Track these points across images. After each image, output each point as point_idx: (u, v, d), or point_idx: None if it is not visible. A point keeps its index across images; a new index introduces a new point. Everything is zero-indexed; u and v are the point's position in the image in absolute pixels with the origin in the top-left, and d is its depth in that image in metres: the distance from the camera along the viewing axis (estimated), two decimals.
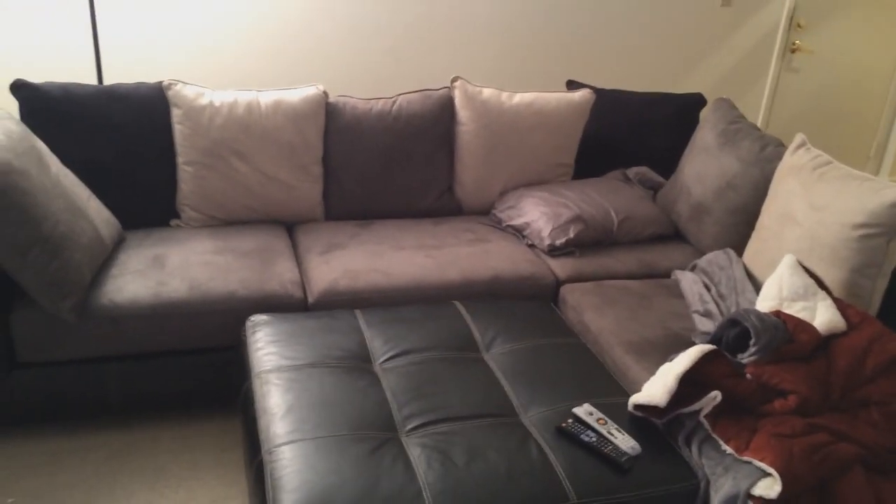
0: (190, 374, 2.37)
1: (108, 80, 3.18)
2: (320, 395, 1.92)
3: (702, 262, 2.62)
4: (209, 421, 2.42)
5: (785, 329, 1.94)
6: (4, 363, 2.18)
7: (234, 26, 3.30)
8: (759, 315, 1.93)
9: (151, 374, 2.34)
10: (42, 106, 2.52)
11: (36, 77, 2.62)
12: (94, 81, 3.12)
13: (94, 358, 2.27)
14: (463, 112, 2.93)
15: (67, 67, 3.16)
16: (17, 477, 2.17)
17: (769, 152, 2.62)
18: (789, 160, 2.46)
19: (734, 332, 1.98)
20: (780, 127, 4.38)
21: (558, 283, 2.63)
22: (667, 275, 2.69)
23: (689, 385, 1.87)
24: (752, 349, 1.91)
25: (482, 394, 1.99)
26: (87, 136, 2.57)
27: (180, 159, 2.66)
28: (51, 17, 3.08)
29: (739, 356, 1.97)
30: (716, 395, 1.82)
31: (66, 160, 2.49)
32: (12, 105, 2.52)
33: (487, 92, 2.93)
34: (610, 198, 2.87)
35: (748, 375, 1.91)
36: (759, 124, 4.36)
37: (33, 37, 3.10)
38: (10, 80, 2.51)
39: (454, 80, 2.96)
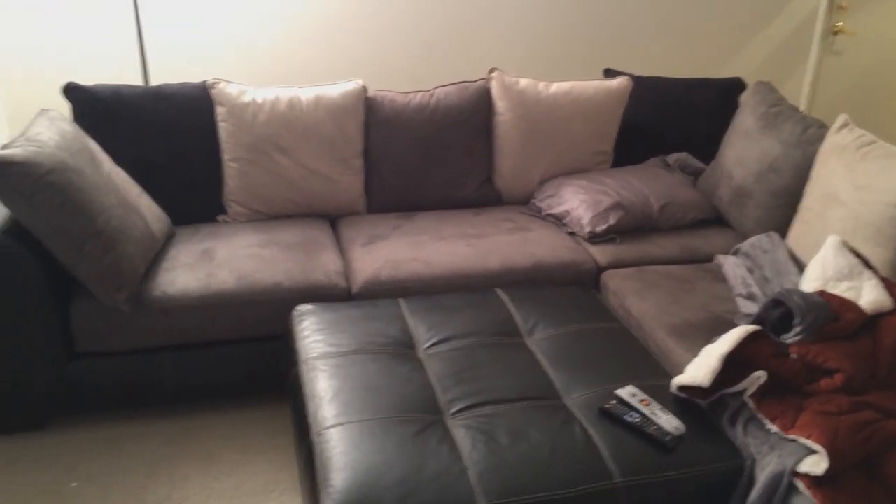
0: (240, 363, 2.44)
1: (154, 81, 3.27)
2: (365, 380, 1.96)
3: (744, 245, 2.60)
4: (259, 408, 2.49)
5: (829, 308, 1.92)
6: (64, 353, 2.27)
7: (274, 26, 3.37)
8: (803, 295, 1.92)
9: (203, 363, 2.41)
10: (93, 107, 2.61)
11: (85, 79, 2.72)
12: (140, 82, 3.21)
13: (149, 348, 2.35)
14: (500, 103, 2.95)
15: (114, 69, 3.26)
16: (79, 462, 2.26)
17: (811, 134, 2.59)
18: (832, 140, 2.43)
19: (778, 313, 1.97)
20: (824, 110, 4.30)
21: (599, 270, 2.64)
22: (709, 260, 2.68)
23: (733, 366, 1.87)
24: (797, 329, 1.90)
25: (525, 377, 2.01)
26: (136, 135, 2.66)
27: (225, 156, 2.73)
28: (97, 21, 3.18)
29: (784, 337, 1.96)
30: (761, 375, 1.82)
31: (117, 159, 2.58)
32: (65, 107, 2.62)
33: (524, 82, 2.95)
34: (650, 184, 2.87)
35: (793, 355, 1.90)
36: (801, 108, 4.29)
37: (81, 41, 3.20)
38: (62, 83, 2.61)
39: (491, 71, 2.98)
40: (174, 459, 2.28)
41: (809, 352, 1.87)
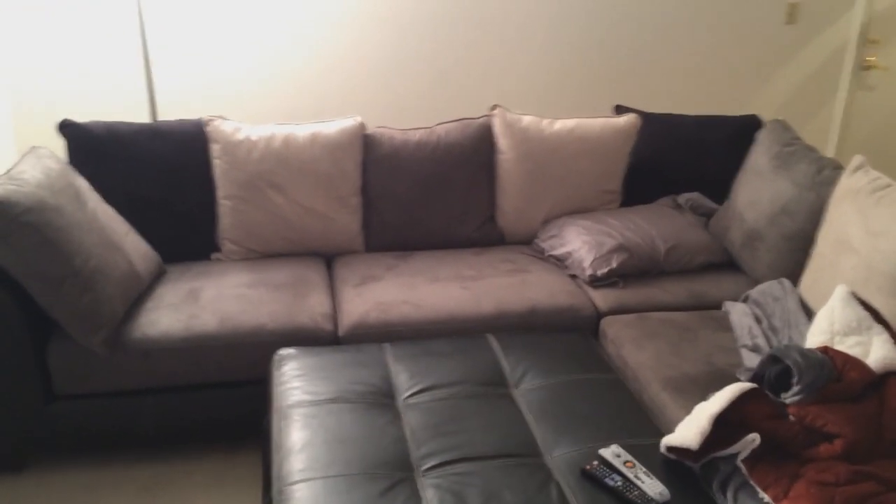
0: (222, 408, 2.37)
1: (163, 117, 3.27)
2: (337, 431, 1.87)
3: (754, 292, 2.46)
4: (241, 454, 2.42)
5: (832, 366, 1.78)
6: (42, 395, 2.23)
7: (279, 64, 3.36)
8: (803, 351, 1.79)
9: (185, 408, 2.35)
10: (87, 144, 2.61)
11: (95, 115, 2.72)
12: (148, 118, 3.21)
13: (129, 390, 2.30)
14: (503, 140, 2.87)
15: (124, 105, 3.27)
16: None
17: (826, 175, 2.45)
18: (846, 183, 2.29)
19: (776, 370, 1.83)
20: (856, 148, 4.13)
21: (599, 316, 2.52)
22: (717, 306, 2.55)
23: (727, 426, 1.74)
24: (795, 388, 1.77)
25: (505, 432, 1.90)
26: (131, 172, 2.64)
27: (220, 193, 2.70)
28: (106, 60, 3.21)
29: (782, 395, 1.82)
30: (754, 438, 1.69)
31: (111, 196, 2.56)
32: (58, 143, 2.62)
33: (527, 119, 2.87)
34: (657, 225, 2.75)
35: (791, 417, 1.76)
36: (831, 146, 4.13)
37: (90, 78, 3.23)
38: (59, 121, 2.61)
39: (493, 107, 2.91)
40: None
41: (808, 414, 1.73)
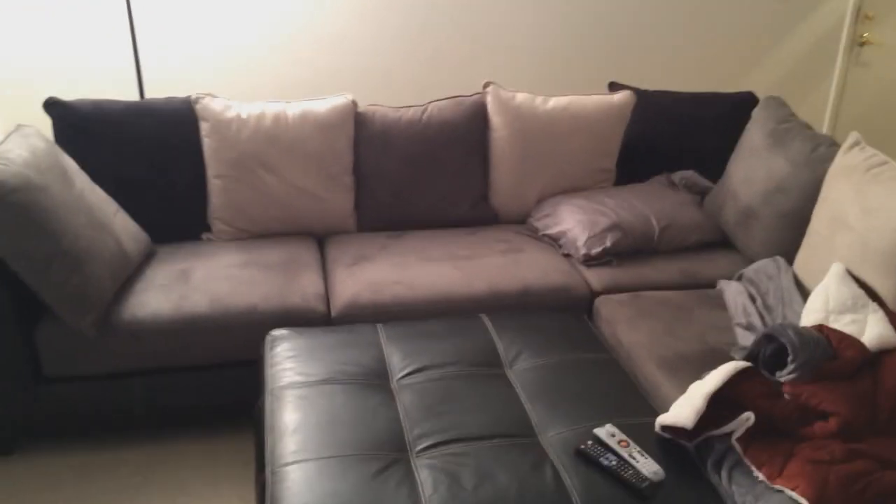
0: (215, 389, 2.36)
1: (150, 95, 3.22)
2: (330, 412, 1.86)
3: (749, 271, 2.45)
4: (233, 435, 2.40)
5: (827, 345, 1.77)
6: (31, 377, 2.21)
7: (269, 40, 3.31)
8: (798, 330, 1.78)
9: (176, 389, 2.33)
10: (74, 123, 2.56)
11: (82, 93, 2.67)
12: (136, 96, 3.17)
13: (119, 372, 2.28)
14: (496, 118, 2.84)
15: (111, 85, 3.22)
16: (46, 490, 2.19)
17: (821, 153, 2.43)
18: (841, 160, 2.28)
19: (771, 349, 1.83)
20: (850, 124, 4.11)
21: (593, 295, 2.51)
22: (711, 285, 2.54)
23: (722, 405, 1.73)
24: (791, 367, 1.76)
25: (500, 412, 1.89)
26: (119, 151, 2.60)
27: (210, 172, 2.66)
28: (92, 37, 3.15)
29: (778, 374, 1.82)
30: (749, 417, 1.68)
31: (99, 176, 2.52)
32: (48, 122, 2.57)
33: (521, 97, 2.84)
34: (651, 204, 2.73)
35: (786, 395, 1.76)
36: (825, 123, 4.11)
37: (77, 56, 3.17)
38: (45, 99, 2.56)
39: (486, 85, 2.88)
40: (143, 489, 2.20)
41: (803, 392, 1.72)
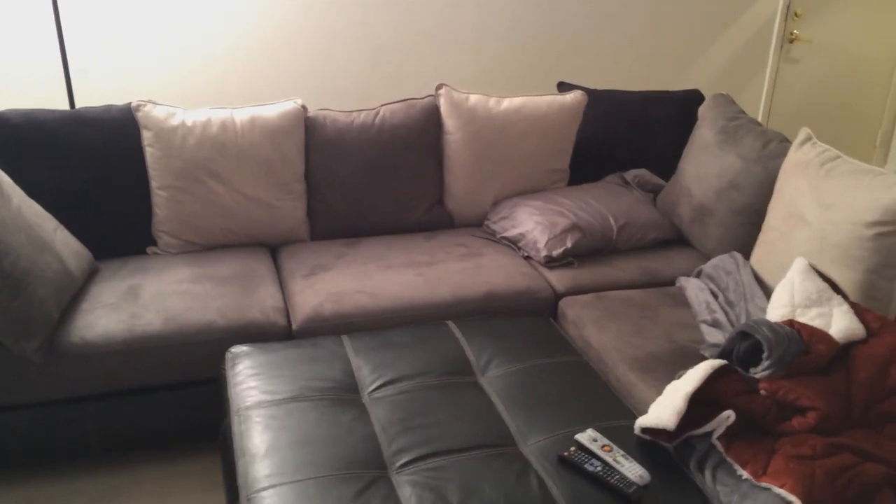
0: (171, 411, 2.25)
1: (80, 105, 3.06)
2: (302, 432, 1.78)
3: (707, 267, 2.48)
4: (193, 459, 2.29)
5: (800, 340, 1.80)
6: None
7: (209, 44, 3.18)
8: (772, 326, 1.80)
9: (130, 413, 2.21)
10: (5, 134, 2.40)
11: (5, 105, 2.51)
12: (65, 106, 3.00)
13: (68, 398, 2.14)
14: (449, 120, 2.80)
15: (37, 94, 3.04)
16: None
17: (772, 149, 2.48)
18: (794, 156, 2.32)
19: (745, 345, 1.84)
20: (782, 119, 4.24)
21: (557, 297, 2.49)
22: (671, 282, 2.56)
23: (700, 404, 1.73)
24: (766, 363, 1.78)
25: (477, 422, 1.85)
26: (55, 163, 2.45)
27: (154, 183, 2.54)
28: (15, 41, 2.96)
29: (752, 370, 1.83)
30: (729, 415, 1.69)
31: (34, 190, 2.38)
32: None
33: (474, 98, 2.80)
34: (608, 203, 2.74)
35: (762, 391, 1.77)
36: (759, 118, 4.22)
37: (1, 64, 2.98)
38: None
39: (439, 87, 2.83)
40: None
41: (780, 388, 1.74)
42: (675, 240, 2.78)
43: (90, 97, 3.10)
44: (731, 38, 3.99)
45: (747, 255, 2.48)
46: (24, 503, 2.12)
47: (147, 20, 3.08)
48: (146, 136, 2.51)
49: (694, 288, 2.39)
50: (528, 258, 2.65)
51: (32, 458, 2.17)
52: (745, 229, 2.51)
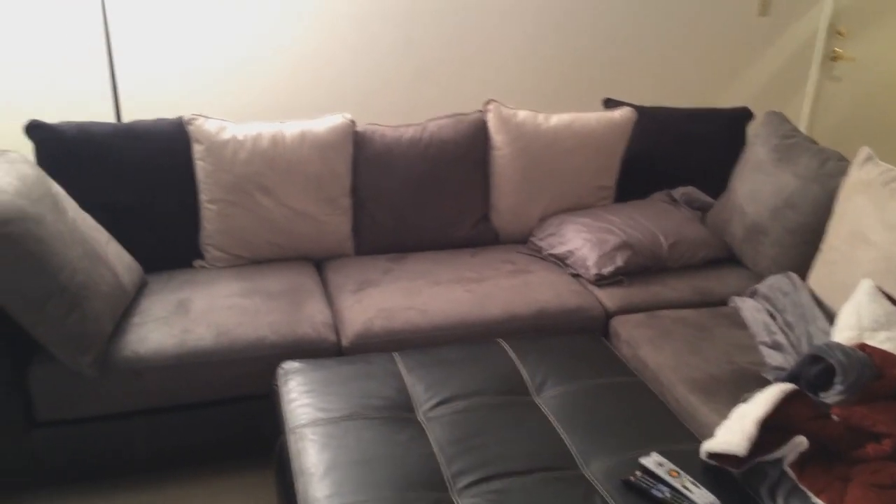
0: (221, 426, 2.22)
1: (128, 118, 3.07)
2: (360, 451, 1.75)
3: (762, 287, 2.43)
4: (241, 475, 2.27)
5: (872, 364, 1.75)
6: (22, 422, 2.05)
7: (257, 58, 3.19)
8: (845, 350, 1.75)
9: (180, 428, 2.19)
10: (58, 147, 2.41)
11: (53, 117, 2.52)
12: (112, 119, 3.00)
13: (119, 413, 2.13)
14: (497, 136, 2.78)
15: (85, 107, 3.05)
16: None
17: (830, 167, 2.44)
18: (856, 175, 2.27)
19: (816, 370, 1.79)
20: (824, 137, 4.18)
21: (608, 315, 2.45)
22: (723, 302, 2.51)
23: (768, 429, 1.68)
24: (838, 388, 1.73)
25: (538, 444, 1.81)
26: (106, 176, 2.45)
27: (203, 197, 2.53)
28: (67, 56, 2.98)
29: (821, 395, 1.78)
30: (801, 442, 1.64)
31: (85, 203, 2.37)
32: (28, 147, 2.41)
33: (523, 114, 2.78)
34: (657, 221, 2.70)
35: (834, 417, 1.72)
36: None
37: (49, 76, 2.99)
38: (26, 122, 2.40)
39: (487, 102, 2.81)
40: None
41: (853, 414, 1.69)
42: (726, 258, 2.73)
43: (136, 110, 3.10)
44: (773, 55, 3.95)
45: (802, 276, 2.42)
46: None
47: (193, 34, 3.09)
48: (197, 149, 2.51)
49: (750, 309, 2.34)
50: (576, 276, 2.62)
51: (81, 473, 2.15)
52: (801, 249, 2.47)
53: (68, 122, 2.45)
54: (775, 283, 2.40)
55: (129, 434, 2.14)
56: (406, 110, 3.37)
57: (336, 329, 2.31)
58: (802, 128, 4.16)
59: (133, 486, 2.22)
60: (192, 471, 2.28)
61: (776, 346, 2.13)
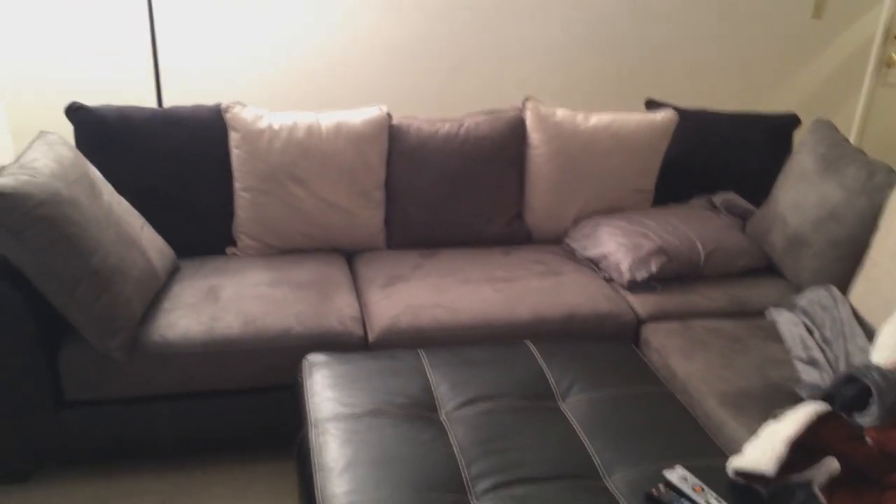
0: (245, 415, 2.23)
1: (168, 103, 3.10)
2: (381, 448, 1.74)
3: (801, 300, 2.36)
4: (264, 464, 2.28)
5: None
6: (52, 402, 2.08)
7: (296, 47, 3.19)
8: (883, 372, 1.69)
9: (205, 414, 2.21)
10: (97, 130, 2.43)
11: (95, 99, 2.55)
12: (153, 104, 3.03)
13: (145, 396, 2.15)
14: (535, 134, 2.74)
15: (127, 90, 3.09)
16: None
17: (878, 181, 2.35)
18: None
19: (852, 390, 1.73)
20: (875, 146, 4.06)
21: (639, 322, 2.41)
22: (760, 313, 2.45)
23: (800, 449, 1.63)
24: (875, 410, 1.67)
25: (560, 450, 1.78)
26: (143, 160, 2.48)
27: (237, 185, 2.54)
28: (110, 40, 3.01)
29: (856, 416, 1.72)
30: (833, 464, 1.58)
31: (121, 186, 2.40)
32: (69, 130, 2.44)
33: (561, 113, 2.74)
34: (695, 227, 2.64)
35: (868, 439, 1.66)
36: (851, 142, 4.04)
37: (93, 59, 3.03)
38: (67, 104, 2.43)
39: (526, 100, 2.78)
40: None
41: (889, 438, 1.63)
42: (765, 268, 2.66)
43: (176, 96, 3.13)
44: (824, 60, 3.84)
45: (844, 290, 2.35)
46: (96, 500, 2.13)
47: (236, 22, 3.10)
48: (233, 137, 2.52)
49: (787, 322, 2.28)
50: (608, 280, 2.57)
51: (107, 455, 2.18)
52: (843, 263, 2.39)
53: (108, 105, 2.47)
54: (815, 297, 2.33)
55: (155, 418, 2.16)
56: (442, 104, 3.34)
57: (363, 323, 2.30)
58: (853, 135, 4.04)
59: (157, 470, 2.24)
60: (217, 457, 2.30)
61: (812, 362, 2.06)
